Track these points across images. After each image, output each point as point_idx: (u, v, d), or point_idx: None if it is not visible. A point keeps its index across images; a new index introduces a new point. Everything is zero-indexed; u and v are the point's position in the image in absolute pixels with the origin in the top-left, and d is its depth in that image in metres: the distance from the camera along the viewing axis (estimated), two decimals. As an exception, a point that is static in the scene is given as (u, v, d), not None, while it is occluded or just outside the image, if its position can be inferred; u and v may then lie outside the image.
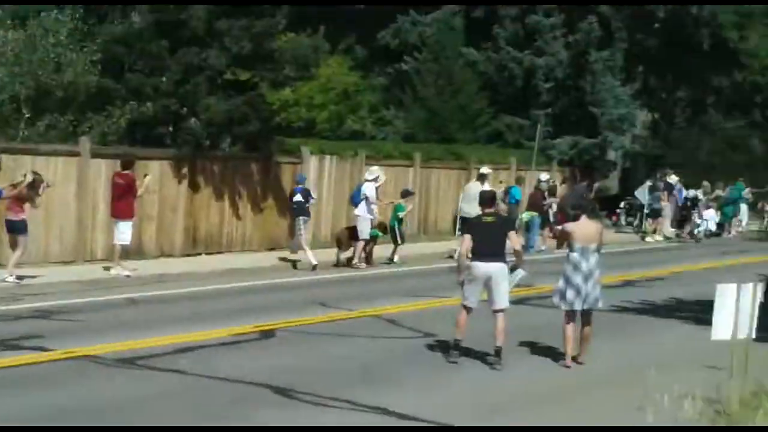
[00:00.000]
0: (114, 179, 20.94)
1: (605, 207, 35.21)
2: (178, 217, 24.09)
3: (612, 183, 39.74)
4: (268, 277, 21.77)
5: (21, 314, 15.75)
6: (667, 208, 34.70)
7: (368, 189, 23.99)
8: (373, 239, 24.26)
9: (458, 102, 35.09)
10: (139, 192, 20.81)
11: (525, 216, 28.33)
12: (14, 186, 18.43)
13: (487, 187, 25.89)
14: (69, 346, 12.92)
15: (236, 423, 9.81)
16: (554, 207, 29.62)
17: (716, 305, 11.45)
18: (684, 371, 12.10)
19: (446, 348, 13.29)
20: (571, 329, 12.99)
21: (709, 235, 36.02)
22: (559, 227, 12.93)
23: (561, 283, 12.96)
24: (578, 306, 12.84)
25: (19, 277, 18.63)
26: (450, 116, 34.88)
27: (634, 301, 18.85)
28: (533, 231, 28.35)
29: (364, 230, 23.70)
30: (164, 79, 24.45)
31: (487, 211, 13.33)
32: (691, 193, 35.31)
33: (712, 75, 43.04)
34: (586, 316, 13.03)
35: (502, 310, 12.88)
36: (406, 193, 25.74)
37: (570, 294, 12.83)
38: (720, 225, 37.45)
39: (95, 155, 22.24)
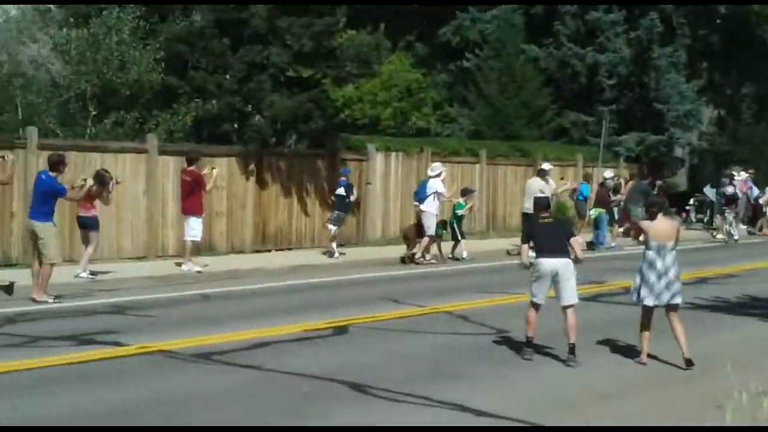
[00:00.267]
0: (181, 176, 21.12)
1: (674, 204, 34.85)
2: (247, 213, 24.26)
3: (680, 180, 39.33)
4: (338, 273, 21.83)
5: (96, 309, 15.90)
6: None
7: (437, 185, 23.97)
8: (438, 236, 24.29)
9: (522, 99, 34.97)
10: (208, 186, 20.92)
11: (593, 213, 28.18)
12: (74, 187, 18.42)
13: (550, 182, 26.01)
14: (144, 341, 13.03)
15: (313, 418, 9.81)
16: (622, 204, 29.55)
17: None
18: (760, 369, 11.93)
19: (519, 344, 13.23)
20: (647, 326, 12.86)
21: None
22: (635, 223, 12.78)
23: (637, 280, 12.86)
24: (650, 302, 12.70)
25: (93, 273, 18.85)
26: (514, 113, 34.75)
27: (708, 298, 18.62)
28: (602, 227, 28.16)
29: (431, 226, 23.70)
30: (228, 76, 24.59)
31: (543, 215, 13.40)
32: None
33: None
34: (672, 313, 12.87)
35: (571, 306, 12.80)
36: (466, 191, 25.69)
37: (644, 291, 12.72)
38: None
39: (162, 152, 22.48)
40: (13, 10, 27.90)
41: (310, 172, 25.70)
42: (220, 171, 22.33)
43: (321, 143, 26.63)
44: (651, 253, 12.73)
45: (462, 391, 11.02)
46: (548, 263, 12.73)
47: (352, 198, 24.31)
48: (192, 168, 20.82)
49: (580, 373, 12.27)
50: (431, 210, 23.74)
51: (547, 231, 13.09)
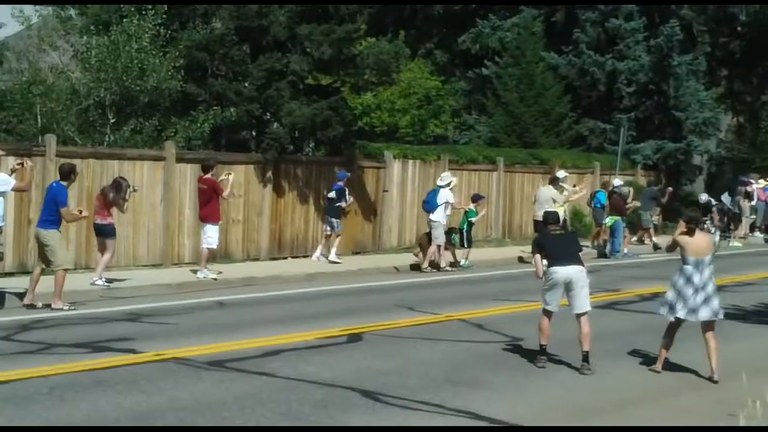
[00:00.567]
0: (198, 184, 21.17)
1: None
2: (263, 220, 24.27)
3: (698, 187, 39.20)
4: (353, 280, 21.85)
5: (111, 317, 15.94)
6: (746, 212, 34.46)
7: (448, 195, 23.98)
8: (452, 244, 24.32)
9: (540, 106, 34.90)
10: (225, 193, 20.95)
11: (608, 220, 28.10)
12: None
13: (565, 190, 26.04)
14: (159, 349, 13.07)
15: (326, 425, 9.82)
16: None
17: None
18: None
19: (533, 353, 13.22)
20: (670, 339, 12.80)
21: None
22: (674, 240, 12.69)
23: (670, 294, 12.70)
24: (682, 315, 12.59)
25: (109, 280, 18.89)
26: (533, 121, 34.71)
27: (725, 305, 18.43)
28: (618, 235, 28.09)
29: (440, 236, 23.71)
30: (247, 84, 24.63)
31: (554, 228, 13.52)
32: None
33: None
34: (709, 332, 12.78)
35: (584, 314, 12.80)
36: (476, 198, 25.65)
37: (679, 305, 12.58)
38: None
39: (180, 160, 22.50)
40: (34, 17, 27.97)
41: (327, 179, 25.71)
42: (237, 179, 22.37)
43: (339, 151, 26.65)
44: (689, 268, 12.59)
45: (476, 398, 11.04)
46: (562, 271, 12.74)
47: (344, 204, 24.16)
48: (208, 176, 20.86)
49: (595, 381, 12.26)
50: (440, 219, 23.74)
51: (559, 240, 13.18)
